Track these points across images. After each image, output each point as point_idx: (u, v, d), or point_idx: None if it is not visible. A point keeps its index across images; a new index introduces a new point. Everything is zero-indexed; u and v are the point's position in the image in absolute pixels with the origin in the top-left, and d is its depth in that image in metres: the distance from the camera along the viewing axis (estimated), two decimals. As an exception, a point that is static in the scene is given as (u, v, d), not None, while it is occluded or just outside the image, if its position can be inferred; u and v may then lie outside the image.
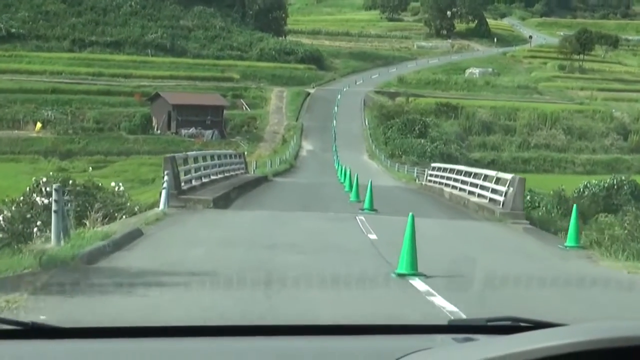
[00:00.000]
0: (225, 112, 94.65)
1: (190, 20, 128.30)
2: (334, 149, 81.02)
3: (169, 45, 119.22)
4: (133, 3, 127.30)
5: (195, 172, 29.66)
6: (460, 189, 33.38)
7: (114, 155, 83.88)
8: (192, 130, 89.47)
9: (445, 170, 39.82)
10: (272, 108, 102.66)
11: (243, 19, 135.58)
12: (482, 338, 3.19)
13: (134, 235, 16.72)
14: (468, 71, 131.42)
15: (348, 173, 40.33)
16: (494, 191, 27.81)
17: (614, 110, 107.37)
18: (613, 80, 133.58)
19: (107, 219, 19.96)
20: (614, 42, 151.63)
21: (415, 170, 52.78)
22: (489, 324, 3.58)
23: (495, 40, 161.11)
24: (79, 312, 8.71)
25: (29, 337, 3.24)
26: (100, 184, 26.10)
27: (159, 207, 23.20)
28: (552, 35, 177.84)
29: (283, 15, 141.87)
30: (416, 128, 79.78)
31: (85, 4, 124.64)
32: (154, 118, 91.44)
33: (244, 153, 46.75)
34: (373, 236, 18.90)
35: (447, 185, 37.08)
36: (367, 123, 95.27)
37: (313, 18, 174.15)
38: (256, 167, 52.94)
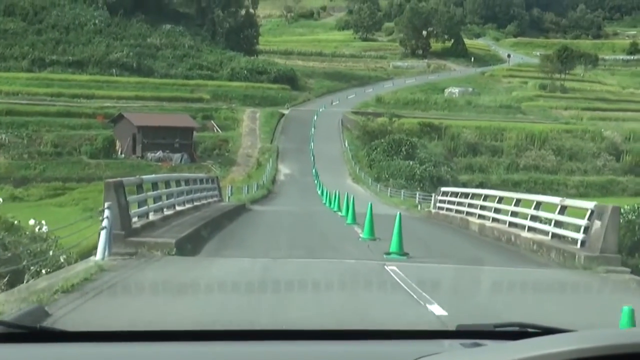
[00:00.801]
0: (195, 134, 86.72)
1: (158, 38, 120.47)
2: (314, 172, 73.48)
3: (135, 65, 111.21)
4: (97, 21, 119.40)
5: (155, 202, 21.82)
6: (495, 220, 25.73)
7: (73, 181, 75.56)
8: (159, 153, 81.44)
9: (462, 195, 32.21)
10: (245, 130, 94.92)
11: (213, 38, 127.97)
12: (490, 343, 3.14)
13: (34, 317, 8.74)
14: (447, 91, 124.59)
15: (344, 200, 32.86)
16: (557, 224, 20.17)
17: (604, 130, 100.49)
18: (595, 99, 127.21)
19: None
20: (593, 61, 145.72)
21: (418, 195, 44.99)
22: (496, 329, 3.54)
23: (472, 59, 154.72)
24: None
25: (36, 340, 3.22)
26: (15, 223, 18.03)
27: (96, 255, 15.34)
28: (528, 55, 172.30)
29: (255, 34, 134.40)
30: (403, 149, 72.36)
31: (47, 22, 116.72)
32: (117, 141, 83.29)
33: (217, 177, 38.83)
34: (438, 309, 11.02)
35: (469, 214, 29.50)
36: (346, 145, 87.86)
37: (285, 39, 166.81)
38: (231, 194, 45.10)
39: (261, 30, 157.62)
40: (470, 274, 15.38)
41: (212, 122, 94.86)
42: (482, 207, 27.99)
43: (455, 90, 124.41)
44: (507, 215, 24.40)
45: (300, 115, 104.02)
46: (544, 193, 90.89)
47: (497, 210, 26.11)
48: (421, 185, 67.48)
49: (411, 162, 69.39)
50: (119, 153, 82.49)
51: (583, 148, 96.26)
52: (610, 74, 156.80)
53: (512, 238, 22.67)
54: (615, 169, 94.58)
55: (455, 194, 33.03)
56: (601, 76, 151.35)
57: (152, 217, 21.01)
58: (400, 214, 20.67)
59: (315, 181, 67.77)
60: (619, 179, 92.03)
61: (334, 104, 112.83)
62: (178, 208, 24.88)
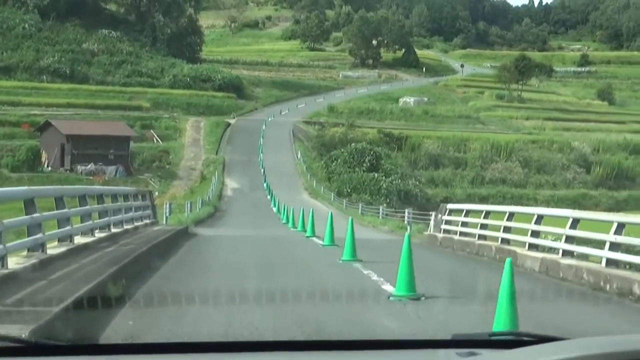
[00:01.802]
0: (132, 144, 76.63)
1: (94, 44, 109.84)
2: (265, 186, 63.98)
3: (68, 71, 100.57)
4: (27, 25, 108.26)
5: (30, 233, 12.23)
6: (567, 252, 16.60)
7: (-10, 197, 64.85)
8: (91, 165, 71.20)
9: (467, 213, 23.01)
10: (188, 140, 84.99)
11: (154, 44, 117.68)
12: (485, 352, 3.13)
13: None
14: (402, 100, 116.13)
15: (310, 218, 23.57)
16: None
17: (572, 141, 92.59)
18: (554, 109, 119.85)
19: None
20: (548, 72, 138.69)
21: (407, 214, 35.46)
22: (492, 338, 3.46)
23: (424, 69, 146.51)
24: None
25: (31, 354, 3.16)
26: None
27: None
28: (479, 66, 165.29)
29: (198, 40, 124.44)
30: (366, 160, 63.06)
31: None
32: (43, 152, 72.77)
33: (150, 192, 29.01)
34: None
35: (504, 240, 20.40)
36: (299, 156, 78.50)
37: (229, 49, 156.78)
38: (169, 213, 35.26)
39: (204, 40, 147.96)
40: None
41: (152, 131, 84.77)
42: (534, 233, 18.84)
43: (411, 99, 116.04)
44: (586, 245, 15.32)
45: (247, 124, 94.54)
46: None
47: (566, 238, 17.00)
48: (387, 200, 58.38)
49: (376, 175, 60.07)
50: (45, 165, 71.97)
51: (551, 160, 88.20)
52: (563, 85, 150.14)
53: (605, 280, 13.58)
54: (586, 182, 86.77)
55: (483, 214, 23.61)
56: (554, 87, 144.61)
57: (18, 260, 11.39)
58: (407, 238, 12.54)
59: (269, 196, 58.30)
60: (591, 192, 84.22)
61: (283, 113, 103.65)
62: (80, 240, 15.23)
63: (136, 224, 22.88)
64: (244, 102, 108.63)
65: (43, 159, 72.47)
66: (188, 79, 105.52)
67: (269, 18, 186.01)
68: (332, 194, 53.24)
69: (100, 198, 18.68)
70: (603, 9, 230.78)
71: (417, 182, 63.93)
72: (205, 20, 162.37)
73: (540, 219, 19.05)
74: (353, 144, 65.74)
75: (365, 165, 62.55)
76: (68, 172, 70.88)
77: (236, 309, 10.10)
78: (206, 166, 75.07)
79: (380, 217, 38.43)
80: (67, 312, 8.70)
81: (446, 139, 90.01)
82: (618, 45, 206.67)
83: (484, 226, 22.86)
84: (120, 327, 8.72)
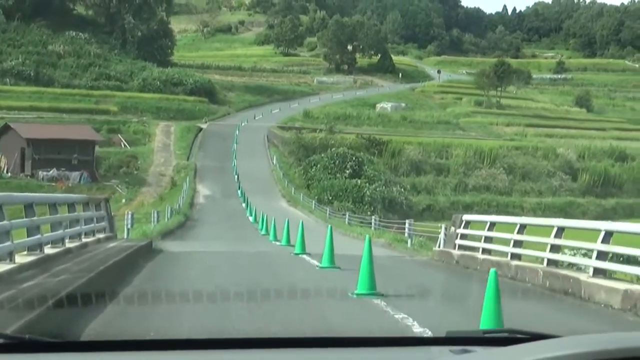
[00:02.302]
0: (98, 148, 71.59)
1: (61, 46, 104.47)
2: (240, 193, 59.20)
3: (32, 74, 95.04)
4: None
5: None
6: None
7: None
8: (53, 171, 66.00)
9: (486, 227, 18.45)
10: (158, 145, 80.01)
11: (123, 47, 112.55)
12: (479, 350, 3.06)
13: None
14: (379, 106, 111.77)
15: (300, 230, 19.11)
16: None
17: (557, 147, 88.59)
18: (533, 116, 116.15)
19: None
20: (526, 78, 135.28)
21: (408, 226, 30.54)
22: (485, 335, 3.44)
23: (401, 75, 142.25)
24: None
25: (25, 351, 3.11)
26: None
27: None
28: (455, 72, 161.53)
29: (169, 43, 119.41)
30: (348, 165, 58.34)
31: None
32: (2, 157, 67.47)
33: (106, 200, 23.95)
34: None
35: (551, 262, 15.98)
36: (275, 162, 73.79)
37: (201, 54, 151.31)
38: (131, 224, 30.28)
39: (176, 44, 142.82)
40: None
41: (120, 136, 79.71)
42: (602, 254, 14.26)
43: (388, 105, 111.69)
44: None
45: (220, 129, 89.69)
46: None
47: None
48: (372, 208, 53.86)
49: (359, 181, 55.38)
50: (4, 171, 66.69)
51: (536, 166, 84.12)
52: (539, 92, 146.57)
53: None
54: (573, 190, 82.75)
55: (518, 227, 18.93)
56: (531, 94, 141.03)
57: None
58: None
59: (244, 204, 53.52)
60: (579, 200, 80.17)
61: (257, 118, 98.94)
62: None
63: (85, 239, 18.06)
64: (217, 106, 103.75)
65: (2, 165, 67.26)
66: (158, 82, 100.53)
67: (242, 23, 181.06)
68: (313, 202, 48.48)
69: (29, 208, 13.84)
70: (576, 17, 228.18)
71: (402, 189, 59.32)
72: (177, 25, 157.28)
73: (609, 236, 14.34)
74: (334, 149, 61.07)
75: (347, 171, 57.90)
76: (29, 177, 65.72)
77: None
78: (177, 172, 70.22)
79: (373, 228, 33.66)
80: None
81: (427, 144, 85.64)
82: (591, 53, 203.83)
83: (516, 243, 18.31)
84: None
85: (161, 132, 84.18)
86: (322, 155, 60.36)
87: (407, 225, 31.72)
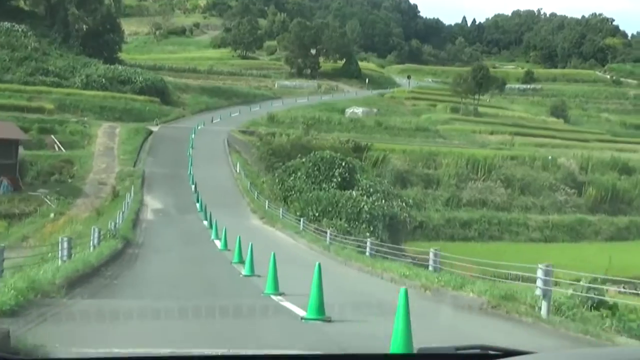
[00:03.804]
0: (23, 151, 57.00)
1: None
2: (199, 207, 45.24)
3: (-44, 67, 79.98)
4: None
5: None
6: None
7: None
8: (-38, 177, 51.37)
9: None
10: (99, 148, 65.47)
11: (66, 41, 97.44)
12: None
13: None
14: (349, 111, 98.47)
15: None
16: None
17: (558, 158, 75.93)
18: (513, 125, 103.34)
19: None
20: (501, 86, 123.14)
21: (432, 256, 16.89)
22: (458, 352, 3.35)
23: (367, 81, 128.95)
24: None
25: None
26: None
27: None
28: (420, 80, 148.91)
29: (117, 39, 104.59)
30: (336, 173, 44.43)
31: None
32: None
33: None
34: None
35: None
36: (238, 169, 59.95)
37: (153, 56, 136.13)
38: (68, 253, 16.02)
39: (127, 47, 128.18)
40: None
41: (53, 137, 65.04)
42: None
43: (359, 110, 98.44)
44: None
45: (173, 133, 75.52)
46: (500, 237, 65.08)
47: None
48: (371, 227, 40.18)
49: (353, 193, 41.59)
50: None
51: (536, 178, 71.23)
52: (510, 102, 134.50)
53: None
54: (579, 206, 69.91)
55: None
56: (503, 103, 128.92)
57: None
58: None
59: (205, 222, 39.58)
60: (589, 218, 67.26)
61: (214, 121, 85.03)
62: None
63: None
64: (170, 108, 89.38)
65: None
66: (104, 79, 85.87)
67: (196, 26, 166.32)
68: (302, 221, 34.56)
69: None
70: (537, 30, 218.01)
71: (403, 204, 45.65)
72: (128, 27, 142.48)
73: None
74: (317, 152, 47.25)
75: (335, 180, 44.15)
76: None
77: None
78: (120, 180, 55.83)
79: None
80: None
81: (412, 153, 72.41)
82: (552, 66, 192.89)
83: None
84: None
85: (104, 133, 69.71)
86: (303, 159, 46.48)
87: (432, 255, 18.92)
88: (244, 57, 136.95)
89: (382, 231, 40.47)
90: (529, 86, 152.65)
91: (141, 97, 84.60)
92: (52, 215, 49.09)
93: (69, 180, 56.80)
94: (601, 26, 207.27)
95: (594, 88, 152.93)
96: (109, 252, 24.41)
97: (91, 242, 24.89)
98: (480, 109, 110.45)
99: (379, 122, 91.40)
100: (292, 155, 51.95)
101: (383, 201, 42.92)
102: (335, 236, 30.09)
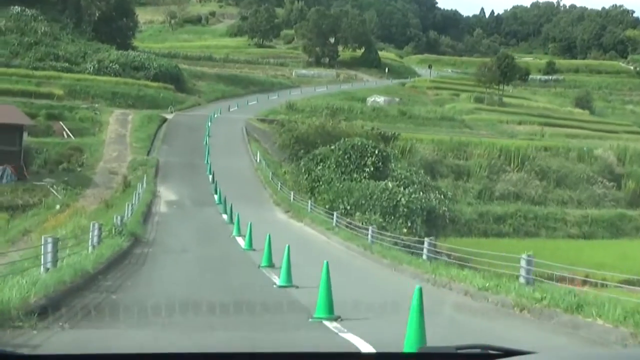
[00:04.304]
0: (28, 138, 52.47)
1: (1, 21, 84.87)
2: (217, 199, 40.60)
3: (-38, 51, 75.54)
4: None
5: None
6: None
7: None
8: (-39, 165, 46.90)
9: None
10: (110, 136, 60.96)
11: (78, 26, 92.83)
12: None
13: None
14: (370, 100, 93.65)
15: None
16: None
17: (594, 149, 70.97)
18: (539, 115, 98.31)
19: None
20: (524, 75, 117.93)
21: (524, 264, 12.50)
22: (458, 351, 3.29)
23: (387, 70, 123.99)
24: None
25: None
26: None
27: None
28: (440, 70, 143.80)
29: (131, 24, 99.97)
30: (368, 162, 39.67)
31: None
32: None
33: None
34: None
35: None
36: (258, 159, 55.36)
37: (168, 45, 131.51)
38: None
39: (141, 36, 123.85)
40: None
41: (61, 123, 60.52)
42: None
43: (380, 99, 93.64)
44: None
45: (188, 120, 71.05)
46: (537, 233, 60.16)
47: None
48: (408, 223, 35.48)
49: (389, 184, 36.80)
50: None
51: (573, 170, 66.26)
52: (532, 93, 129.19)
53: None
54: (618, 199, 64.95)
55: None
56: (525, 94, 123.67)
57: None
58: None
59: (224, 215, 35.00)
60: (630, 213, 62.25)
61: (231, 110, 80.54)
62: None
63: None
64: (185, 95, 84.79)
65: None
66: (116, 65, 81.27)
67: (212, 14, 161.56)
68: (334, 215, 29.86)
69: None
70: (556, 21, 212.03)
71: (441, 197, 40.87)
72: (143, 15, 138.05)
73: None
74: (347, 139, 42.48)
75: (367, 169, 39.37)
76: None
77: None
78: (132, 170, 51.26)
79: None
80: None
81: (440, 142, 67.65)
82: (571, 58, 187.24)
83: None
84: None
85: (115, 120, 65.16)
86: (332, 147, 41.70)
87: (524, 262, 14.46)
88: (261, 46, 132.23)
89: (420, 226, 35.73)
90: (550, 77, 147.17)
91: (155, 84, 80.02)
92: (57, 207, 44.54)
93: (78, 169, 52.28)
94: (621, 18, 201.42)
95: (617, 79, 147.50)
96: (111, 253, 19.76)
97: (90, 241, 20.25)
98: (505, 99, 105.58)
99: (402, 111, 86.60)
100: (316, 144, 47.17)
101: (421, 193, 38.17)
102: (379, 234, 25.31)
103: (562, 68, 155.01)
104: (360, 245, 25.27)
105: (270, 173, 48.68)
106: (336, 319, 11.55)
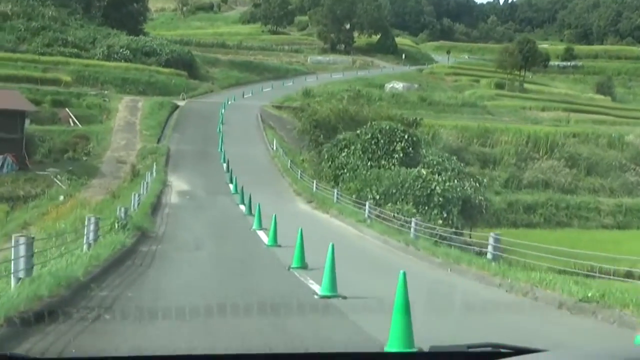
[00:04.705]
0: (33, 126, 49.00)
1: (8, 5, 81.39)
2: (233, 189, 37.01)
3: (-32, 36, 72.06)
4: None
5: None
6: None
7: None
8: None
9: None
10: (119, 123, 57.36)
11: (87, 12, 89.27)
12: None
13: None
14: (389, 86, 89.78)
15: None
16: None
17: (626, 135, 67.01)
18: (561, 102, 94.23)
19: None
20: (545, 61, 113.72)
21: None
22: (470, 350, 3.23)
23: (404, 56, 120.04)
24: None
25: None
26: None
27: None
28: (457, 57, 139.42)
29: (141, 9, 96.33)
30: (397, 147, 35.96)
31: None
32: None
33: None
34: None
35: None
36: (275, 146, 51.78)
37: (180, 32, 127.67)
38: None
39: (153, 24, 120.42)
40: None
41: (68, 110, 56.98)
42: None
43: (399, 85, 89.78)
44: None
45: (201, 107, 67.50)
46: (569, 223, 56.33)
47: None
48: (444, 214, 31.79)
49: (423, 171, 33.00)
50: None
51: (603, 158, 62.35)
52: (551, 80, 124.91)
53: None
54: (653, 188, 61.09)
55: None
56: (544, 80, 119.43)
57: None
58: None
59: (241, 205, 31.44)
60: (666, 202, 58.40)
61: (246, 96, 76.95)
62: None
63: None
64: (197, 82, 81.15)
65: None
66: (127, 51, 77.73)
67: (224, 1, 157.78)
68: (367, 206, 26.07)
69: None
70: (572, 8, 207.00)
71: (476, 185, 37.04)
72: (154, 3, 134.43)
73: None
74: (374, 123, 38.75)
75: (396, 155, 35.64)
76: None
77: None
78: (141, 158, 47.73)
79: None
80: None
81: (464, 129, 63.87)
82: (587, 45, 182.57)
83: None
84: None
85: (125, 107, 61.57)
86: (358, 132, 37.88)
87: None
88: (274, 33, 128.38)
89: (456, 217, 32.05)
90: (569, 63, 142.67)
91: (167, 70, 76.46)
92: (61, 197, 41.04)
93: (84, 159, 48.78)
94: (638, 4, 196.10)
95: (637, 65, 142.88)
96: (111, 252, 16.12)
97: (85, 238, 16.66)
98: (525, 86, 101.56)
99: (422, 97, 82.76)
100: (338, 129, 43.44)
101: (455, 181, 34.50)
102: (435, 229, 21.65)
103: (580, 54, 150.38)
104: (402, 241, 21.58)
105: (289, 161, 45.02)
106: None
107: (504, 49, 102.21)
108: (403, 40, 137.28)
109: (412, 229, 21.58)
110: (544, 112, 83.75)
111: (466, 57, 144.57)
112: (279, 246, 19.98)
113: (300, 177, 40.07)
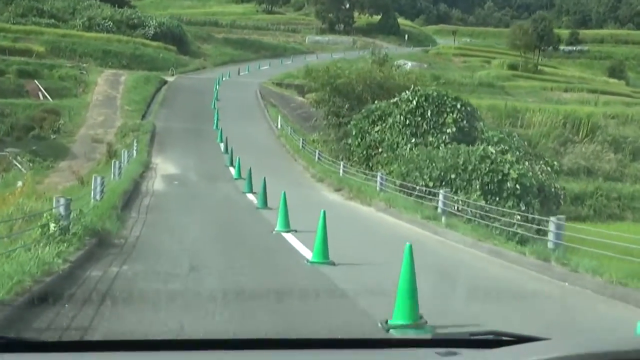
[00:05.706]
0: (-10, 96, 39.77)
1: (-21, -27, 71.87)
2: (237, 173, 27.93)
3: None
4: None
5: None
6: None
7: None
8: None
9: None
10: (97, 98, 48.13)
11: (67, -18, 79.57)
12: (465, 352, 2.86)
13: None
14: (397, 64, 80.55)
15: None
16: None
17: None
18: (579, 83, 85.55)
19: None
20: (556, 43, 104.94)
21: None
22: (472, 337, 3.13)
23: (407, 37, 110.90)
24: None
25: (10, 350, 2.78)
26: None
27: None
28: (458, 40, 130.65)
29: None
30: (448, 119, 26.91)
31: None
32: None
33: None
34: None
35: None
36: (279, 124, 42.77)
37: (171, 12, 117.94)
38: None
39: (142, 4, 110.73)
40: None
41: (36, 82, 47.64)
42: None
43: (407, 63, 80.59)
44: None
45: (192, 83, 58.46)
46: (622, 216, 47.14)
47: None
48: (522, 205, 22.83)
49: (492, 150, 23.93)
50: None
51: (650, 141, 53.61)
52: (559, 64, 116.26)
53: None
54: None
55: None
56: (554, 64, 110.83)
57: None
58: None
59: (250, 195, 22.43)
60: None
61: (242, 74, 67.85)
62: None
63: None
64: (188, 58, 71.95)
65: None
66: (110, 22, 68.31)
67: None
68: (440, 196, 17.09)
69: None
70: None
71: (547, 169, 28.10)
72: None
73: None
74: (418, 89, 29.76)
75: (448, 131, 26.58)
76: None
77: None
78: (121, 136, 38.54)
79: None
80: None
81: (492, 108, 54.96)
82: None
83: None
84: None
85: (105, 81, 52.28)
86: (395, 100, 28.72)
87: None
88: (269, 12, 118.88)
89: (538, 211, 23.14)
90: (574, 48, 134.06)
91: (154, 43, 67.25)
92: (19, 184, 31.82)
93: (52, 137, 39.51)
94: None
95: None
96: (7, 291, 7.09)
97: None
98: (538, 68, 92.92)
99: (435, 75, 73.68)
100: (363, 98, 34.49)
101: (527, 163, 25.70)
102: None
103: (586, 39, 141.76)
104: (534, 254, 12.54)
105: (301, 140, 35.91)
106: None
107: (517, 27, 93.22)
108: (405, 22, 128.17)
109: (551, 237, 12.53)
110: (567, 93, 74.98)
111: (468, 40, 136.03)
112: (331, 264, 10.95)
113: (319, 159, 30.95)
